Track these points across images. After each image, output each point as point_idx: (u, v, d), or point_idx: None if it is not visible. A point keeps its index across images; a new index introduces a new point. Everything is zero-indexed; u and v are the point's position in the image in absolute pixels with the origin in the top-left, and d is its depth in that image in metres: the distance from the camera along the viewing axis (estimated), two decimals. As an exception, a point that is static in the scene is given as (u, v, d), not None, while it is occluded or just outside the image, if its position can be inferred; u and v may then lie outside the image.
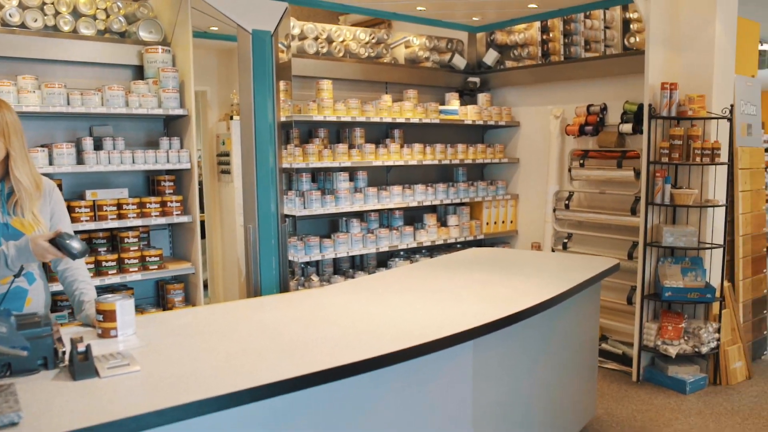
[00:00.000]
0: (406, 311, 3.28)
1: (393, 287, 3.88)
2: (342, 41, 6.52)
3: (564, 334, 4.21)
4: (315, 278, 5.87)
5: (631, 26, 6.55)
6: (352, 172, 6.20)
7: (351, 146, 6.08)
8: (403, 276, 4.24)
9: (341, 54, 6.49)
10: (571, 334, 4.34)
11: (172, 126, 5.50)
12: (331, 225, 6.42)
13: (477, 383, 3.27)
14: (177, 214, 5.25)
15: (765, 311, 6.48)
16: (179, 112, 5.17)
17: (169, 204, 5.22)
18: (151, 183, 5.45)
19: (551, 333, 4.01)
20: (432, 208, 7.03)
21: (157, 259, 5.19)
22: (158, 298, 5.56)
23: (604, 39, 6.94)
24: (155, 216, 5.16)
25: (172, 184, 5.33)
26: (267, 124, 4.88)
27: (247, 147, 4.90)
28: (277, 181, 4.97)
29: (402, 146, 6.41)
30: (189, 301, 5.45)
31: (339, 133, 6.43)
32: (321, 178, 6.14)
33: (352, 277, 6.14)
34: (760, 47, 6.80)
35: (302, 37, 6.27)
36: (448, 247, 7.00)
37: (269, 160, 4.91)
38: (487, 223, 7.14)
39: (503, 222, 7.27)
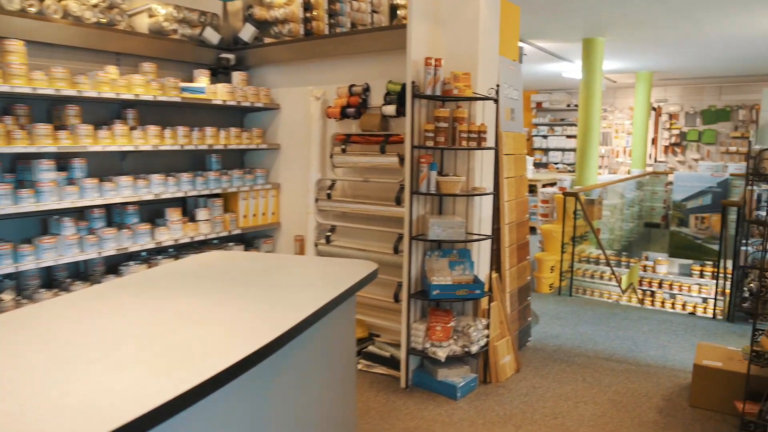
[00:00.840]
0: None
1: (38, 332, 2.09)
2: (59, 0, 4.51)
3: (308, 363, 2.69)
4: (7, 297, 3.83)
5: (398, 12, 5.21)
6: (66, 160, 4.24)
7: (62, 127, 4.13)
8: (80, 307, 2.44)
9: (60, 16, 4.47)
10: (320, 361, 2.83)
11: None
12: (42, 226, 4.38)
13: None
14: None
15: (529, 297, 5.46)
16: None
17: None
18: None
19: (288, 369, 2.47)
20: (181, 201, 5.22)
21: None
22: None
23: (371, 23, 5.52)
24: None
25: None
26: None
27: None
28: None
29: (134, 129, 4.54)
30: None
31: (50, 111, 4.40)
32: (21, 167, 4.12)
33: (68, 291, 4.21)
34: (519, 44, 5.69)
35: (3, -9, 4.19)
36: (200, 245, 5.22)
37: None
38: (245, 216, 5.41)
39: (263, 214, 5.57)
